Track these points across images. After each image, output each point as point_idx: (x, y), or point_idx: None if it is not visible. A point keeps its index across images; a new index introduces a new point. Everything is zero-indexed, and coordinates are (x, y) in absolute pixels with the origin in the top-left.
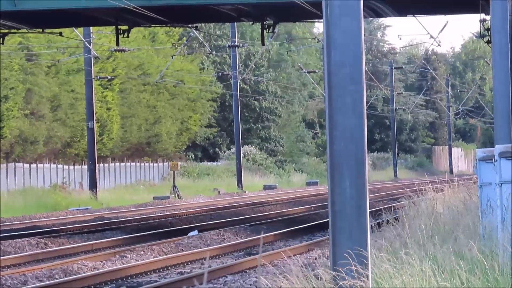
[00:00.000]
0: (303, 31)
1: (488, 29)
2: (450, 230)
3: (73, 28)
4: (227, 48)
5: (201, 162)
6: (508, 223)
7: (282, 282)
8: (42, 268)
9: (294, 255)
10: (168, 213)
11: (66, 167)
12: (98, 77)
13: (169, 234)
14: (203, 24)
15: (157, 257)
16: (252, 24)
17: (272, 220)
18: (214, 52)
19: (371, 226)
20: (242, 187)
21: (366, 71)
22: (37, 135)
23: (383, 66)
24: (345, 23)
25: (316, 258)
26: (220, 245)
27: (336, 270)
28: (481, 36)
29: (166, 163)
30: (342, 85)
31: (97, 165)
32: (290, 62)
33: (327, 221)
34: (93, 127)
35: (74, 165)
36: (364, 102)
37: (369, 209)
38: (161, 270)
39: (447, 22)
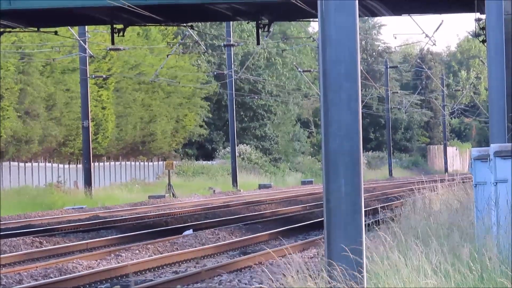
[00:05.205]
0: (298, 31)
1: (483, 28)
2: (445, 228)
3: (69, 27)
4: (222, 47)
5: (196, 161)
6: (503, 221)
7: (278, 281)
8: (37, 267)
9: (289, 254)
10: (163, 212)
11: (61, 166)
12: (94, 76)
13: (164, 233)
14: (198, 23)
15: (152, 256)
16: (248, 23)
17: (267, 219)
18: (209, 51)
19: (367, 225)
20: (237, 186)
21: (361, 70)
22: (31, 134)
23: (378, 65)
24: (340, 19)
25: (311, 257)
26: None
27: (331, 267)
28: (476, 35)
29: (161, 162)
30: (337, 82)
31: (92, 164)
32: (282, 61)
33: (322, 220)
34: (88, 126)
35: (69, 164)
36: (359, 99)
37: (364, 208)
38: (156, 269)
39: (442, 21)
